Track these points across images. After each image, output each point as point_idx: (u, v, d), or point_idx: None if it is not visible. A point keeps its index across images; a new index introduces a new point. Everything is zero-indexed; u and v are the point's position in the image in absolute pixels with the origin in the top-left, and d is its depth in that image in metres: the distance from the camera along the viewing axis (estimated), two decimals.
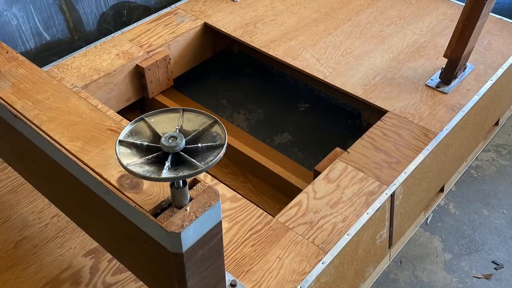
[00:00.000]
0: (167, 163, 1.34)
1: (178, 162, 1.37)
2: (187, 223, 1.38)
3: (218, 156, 1.36)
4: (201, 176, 1.68)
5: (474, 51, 3.38)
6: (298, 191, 2.76)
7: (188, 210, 1.41)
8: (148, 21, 3.77)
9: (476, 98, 3.15)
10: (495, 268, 2.99)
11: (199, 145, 1.39)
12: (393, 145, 2.87)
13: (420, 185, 2.91)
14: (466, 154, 3.40)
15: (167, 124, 1.44)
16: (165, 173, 1.32)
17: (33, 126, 1.71)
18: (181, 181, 1.38)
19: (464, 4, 2.95)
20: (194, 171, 1.32)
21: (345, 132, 3.65)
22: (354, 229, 2.47)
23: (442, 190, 3.28)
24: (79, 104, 1.80)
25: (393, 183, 2.68)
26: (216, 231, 1.51)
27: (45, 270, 2.32)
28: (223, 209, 2.49)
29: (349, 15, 3.86)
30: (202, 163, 1.34)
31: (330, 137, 3.62)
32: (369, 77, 3.30)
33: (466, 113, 3.07)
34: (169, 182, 1.41)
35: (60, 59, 3.40)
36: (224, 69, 4.18)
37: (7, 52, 2.00)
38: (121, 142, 1.40)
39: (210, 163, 1.34)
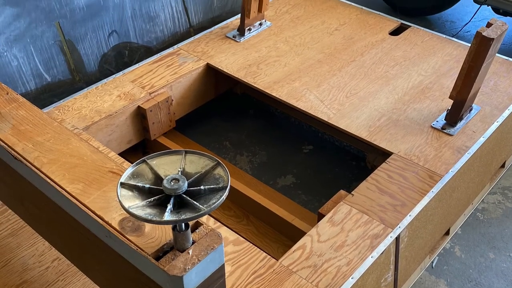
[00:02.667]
0: (169, 206, 1.34)
1: (180, 204, 1.36)
2: (189, 267, 1.37)
3: (221, 199, 1.35)
4: (204, 218, 1.66)
5: (480, 92, 3.37)
6: (301, 234, 2.73)
7: (190, 253, 1.40)
8: (150, 62, 3.77)
9: (482, 140, 3.13)
10: None
11: (202, 187, 1.39)
12: (398, 188, 2.84)
13: (425, 228, 2.88)
14: (472, 196, 3.37)
15: (169, 166, 1.43)
16: (167, 216, 1.31)
17: (33, 168, 1.71)
18: (183, 224, 1.38)
19: (470, 45, 2.95)
20: (196, 214, 1.32)
21: (350, 174, 3.63)
22: (358, 272, 2.44)
23: (447, 233, 3.25)
24: (80, 146, 1.80)
25: (398, 226, 2.65)
26: (218, 275, 1.49)
27: None
28: (226, 252, 2.47)
29: (354, 56, 3.85)
30: (205, 205, 1.34)
31: (334, 179, 3.60)
32: (373, 119, 3.28)
33: (472, 155, 3.04)
34: (171, 225, 1.39)
35: (61, 101, 3.40)
36: (227, 111, 4.18)
37: (7, 94, 2.00)
38: (123, 185, 1.40)
39: (213, 205, 1.34)
